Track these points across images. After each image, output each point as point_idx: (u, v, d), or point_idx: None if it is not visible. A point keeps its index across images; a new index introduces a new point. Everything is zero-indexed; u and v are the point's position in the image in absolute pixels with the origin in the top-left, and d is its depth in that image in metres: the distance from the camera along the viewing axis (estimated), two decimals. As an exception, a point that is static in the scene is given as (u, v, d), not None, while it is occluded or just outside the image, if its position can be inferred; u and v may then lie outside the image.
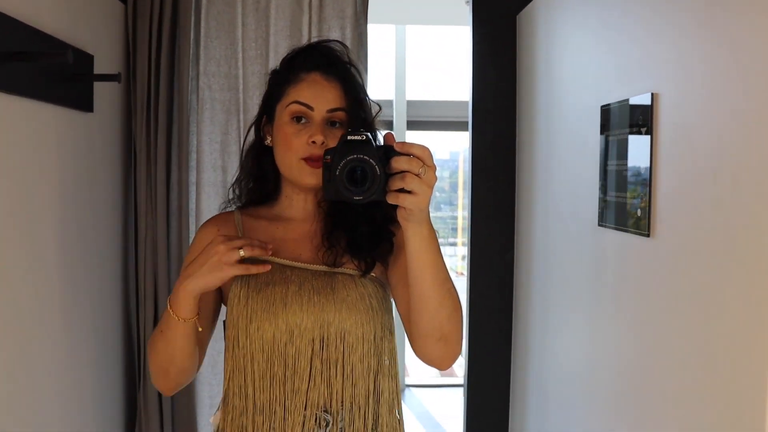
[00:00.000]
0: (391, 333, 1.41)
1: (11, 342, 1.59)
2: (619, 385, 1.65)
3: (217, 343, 2.40)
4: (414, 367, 5.63)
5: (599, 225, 1.69)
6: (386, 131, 1.20)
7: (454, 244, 12.10)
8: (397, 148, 1.13)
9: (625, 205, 1.54)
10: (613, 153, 1.63)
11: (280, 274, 1.36)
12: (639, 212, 1.47)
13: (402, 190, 1.12)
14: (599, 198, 1.69)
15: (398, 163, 1.12)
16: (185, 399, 2.37)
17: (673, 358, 1.39)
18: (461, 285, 1.91)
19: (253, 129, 1.44)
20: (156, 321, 2.31)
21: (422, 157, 1.12)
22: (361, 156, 1.14)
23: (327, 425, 1.33)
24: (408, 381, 5.34)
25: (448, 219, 12.99)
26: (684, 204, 1.34)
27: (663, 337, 1.42)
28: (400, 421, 1.41)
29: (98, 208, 2.13)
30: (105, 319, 2.19)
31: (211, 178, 2.38)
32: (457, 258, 11.25)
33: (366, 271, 1.37)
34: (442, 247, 1.25)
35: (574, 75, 1.98)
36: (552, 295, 2.14)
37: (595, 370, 1.80)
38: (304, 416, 1.32)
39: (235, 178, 1.48)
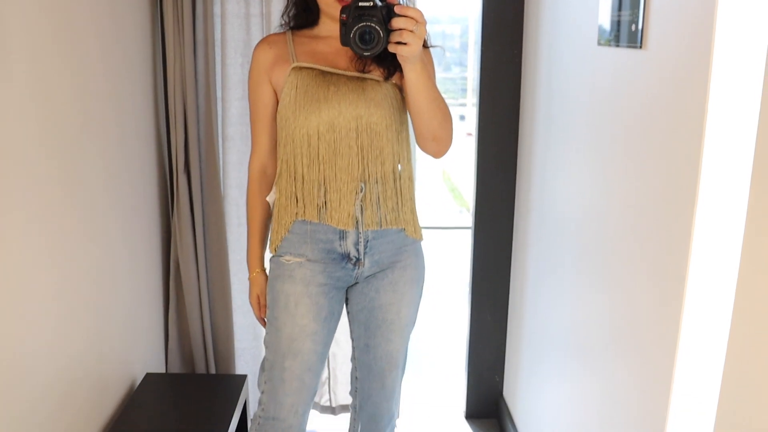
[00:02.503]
0: (406, 128, 1.81)
1: (57, 162, 1.77)
2: (612, 213, 1.75)
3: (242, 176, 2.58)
4: (425, 213, 6.26)
5: (598, 45, 1.82)
6: None
7: (463, 105, 12.07)
8: (396, 10, 1.53)
9: (622, 22, 1.67)
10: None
11: (322, 78, 1.74)
12: (633, 27, 1.60)
13: (399, 42, 1.55)
14: (599, 18, 1.81)
15: (397, 23, 1.54)
16: (214, 219, 2.58)
17: (663, 161, 1.53)
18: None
19: None
20: (186, 146, 2.49)
21: (415, 17, 1.53)
22: (370, 24, 1.54)
23: (362, 191, 1.76)
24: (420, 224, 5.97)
25: (458, 80, 12.84)
26: (675, 17, 1.46)
27: (655, 144, 1.56)
28: (410, 187, 1.86)
29: (128, 41, 2.24)
30: (139, 144, 2.33)
31: (235, 9, 2.48)
32: (466, 120, 11.30)
33: (388, 77, 1.75)
34: (451, 108, 1.73)
35: None
36: (554, 129, 2.24)
37: (591, 200, 1.91)
38: (346, 187, 1.75)
39: (284, 8, 1.85)
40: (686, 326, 1.37)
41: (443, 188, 9.71)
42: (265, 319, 1.90)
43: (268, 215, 1.92)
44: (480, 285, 2.90)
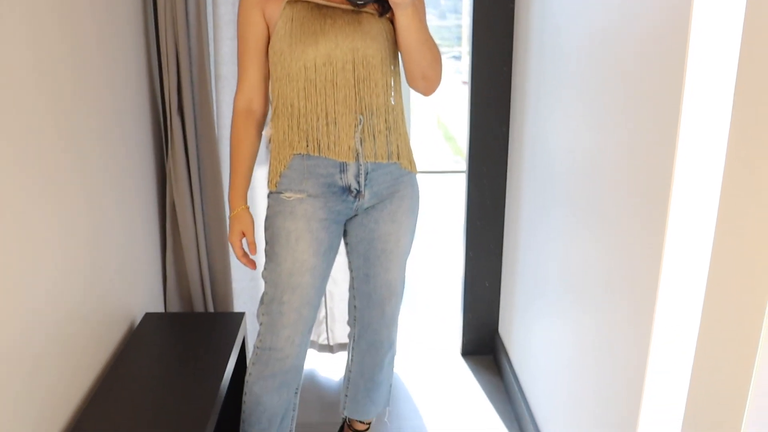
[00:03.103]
0: (398, 62, 1.84)
1: (50, 108, 1.76)
2: (603, 155, 1.76)
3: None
4: (422, 159, 6.42)
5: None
6: None
7: (458, 57, 11.99)
8: None
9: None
10: None
11: (318, 11, 1.74)
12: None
13: None
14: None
15: None
16: (209, 161, 2.58)
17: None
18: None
19: None
20: (179, 87, 2.48)
21: None
22: None
23: (360, 123, 1.78)
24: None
25: (453, 27, 12.74)
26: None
27: (645, 83, 1.56)
28: (403, 121, 1.90)
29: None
30: (131, 87, 2.32)
31: (224, -53, 2.46)
32: (461, 68, 11.22)
33: (383, 12, 1.77)
34: (446, 57, 1.82)
35: None
36: (546, 72, 2.23)
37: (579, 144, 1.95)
38: (344, 119, 1.78)
39: None
40: (667, 264, 1.41)
41: (440, 138, 9.71)
42: (265, 253, 1.92)
43: (253, 152, 1.91)
44: (475, 225, 2.92)
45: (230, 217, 1.93)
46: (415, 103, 10.90)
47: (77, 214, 1.85)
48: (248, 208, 1.93)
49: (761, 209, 1.11)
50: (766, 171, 1.10)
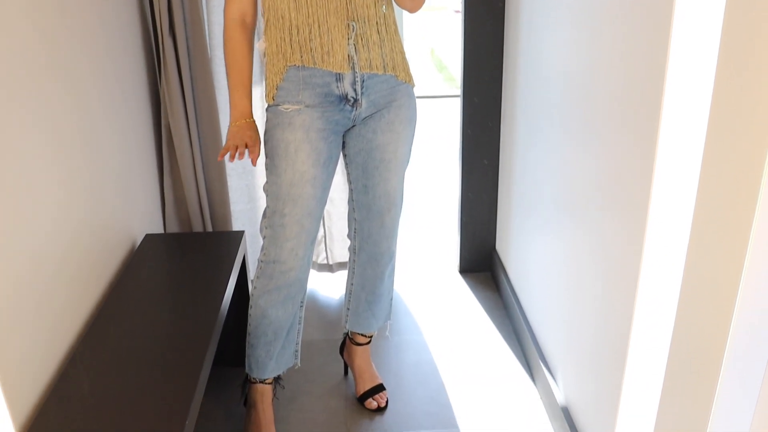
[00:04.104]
0: None
1: (39, 35, 1.74)
2: (596, 75, 1.75)
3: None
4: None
5: None
6: None
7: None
8: None
9: None
10: None
11: None
12: None
13: None
14: None
15: None
16: (203, 82, 2.56)
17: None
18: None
19: None
20: (170, 7, 2.44)
21: None
22: None
23: (353, 30, 1.77)
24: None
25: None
26: None
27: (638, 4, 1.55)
28: (396, 32, 1.90)
29: None
30: (120, 8, 2.28)
31: None
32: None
33: None
34: None
35: None
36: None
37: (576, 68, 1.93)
38: (337, 29, 1.77)
39: None
40: (658, 179, 1.43)
41: (433, 68, 9.64)
42: (265, 167, 1.91)
43: (251, 63, 1.89)
44: (470, 145, 2.92)
45: (232, 127, 1.87)
46: (408, 33, 10.77)
47: (73, 142, 1.84)
48: (253, 120, 1.90)
49: (750, 126, 1.13)
50: (755, 90, 1.11)
